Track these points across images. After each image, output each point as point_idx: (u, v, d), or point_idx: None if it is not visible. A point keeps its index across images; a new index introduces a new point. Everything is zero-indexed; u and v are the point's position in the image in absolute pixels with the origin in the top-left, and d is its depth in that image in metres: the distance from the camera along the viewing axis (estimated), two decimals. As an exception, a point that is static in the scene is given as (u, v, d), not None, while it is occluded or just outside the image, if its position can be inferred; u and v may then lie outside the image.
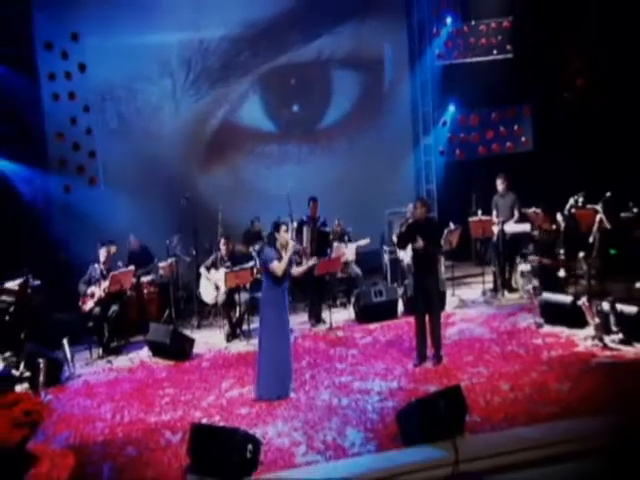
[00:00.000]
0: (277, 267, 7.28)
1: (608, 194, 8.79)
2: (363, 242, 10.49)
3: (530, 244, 10.29)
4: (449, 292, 10.37)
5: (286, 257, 7.35)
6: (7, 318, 8.95)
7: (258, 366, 7.34)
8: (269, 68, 12.05)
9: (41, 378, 7.91)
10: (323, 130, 12.24)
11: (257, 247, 10.04)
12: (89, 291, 9.22)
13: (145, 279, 10.21)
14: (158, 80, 11.54)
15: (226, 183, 11.80)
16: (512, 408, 6.52)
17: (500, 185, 10.43)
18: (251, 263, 9.55)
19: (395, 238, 9.56)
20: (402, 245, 8.54)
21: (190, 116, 11.82)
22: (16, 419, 6.06)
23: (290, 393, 7.28)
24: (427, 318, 7.89)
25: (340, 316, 10.05)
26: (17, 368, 8.17)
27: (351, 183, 11.80)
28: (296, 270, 8.01)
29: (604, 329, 7.99)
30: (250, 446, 5.88)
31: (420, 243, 7.66)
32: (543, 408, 6.47)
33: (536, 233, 10.13)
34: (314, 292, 9.92)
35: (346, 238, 10.44)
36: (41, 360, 8.01)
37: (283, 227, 7.49)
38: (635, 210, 8.54)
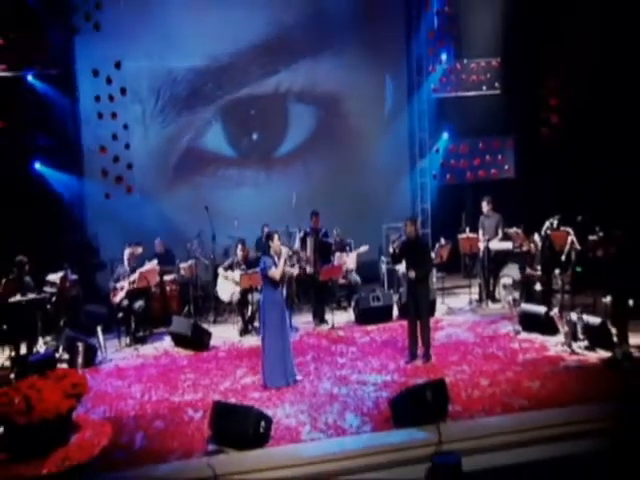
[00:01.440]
0: (274, 273, 7.78)
1: (579, 218, 9.27)
2: (363, 249, 10.88)
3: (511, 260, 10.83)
4: (439, 300, 10.78)
5: (281, 263, 7.87)
6: (49, 307, 9.44)
7: (263, 359, 7.84)
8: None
9: (79, 360, 8.53)
10: (340, 147, 12.70)
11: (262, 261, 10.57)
12: (118, 285, 9.74)
13: (168, 278, 10.71)
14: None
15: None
16: (489, 401, 7.05)
17: (486, 207, 10.87)
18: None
19: (390, 255, 10.10)
20: (396, 262, 9.09)
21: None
22: (66, 390, 6.63)
23: (290, 383, 7.74)
24: (418, 322, 8.45)
25: (341, 318, 10.46)
26: (57, 351, 8.78)
27: (353, 198, 12.18)
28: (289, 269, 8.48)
29: (572, 337, 8.46)
30: (263, 422, 6.47)
31: (412, 274, 8.24)
32: (516, 401, 7.00)
33: (517, 251, 10.68)
34: (318, 295, 10.41)
35: (348, 248, 10.90)
36: (80, 344, 8.64)
37: (275, 236, 7.99)
38: (601, 234, 9.03)
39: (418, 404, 6.57)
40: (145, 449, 6.51)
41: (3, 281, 8.69)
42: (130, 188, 10.66)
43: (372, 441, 6.39)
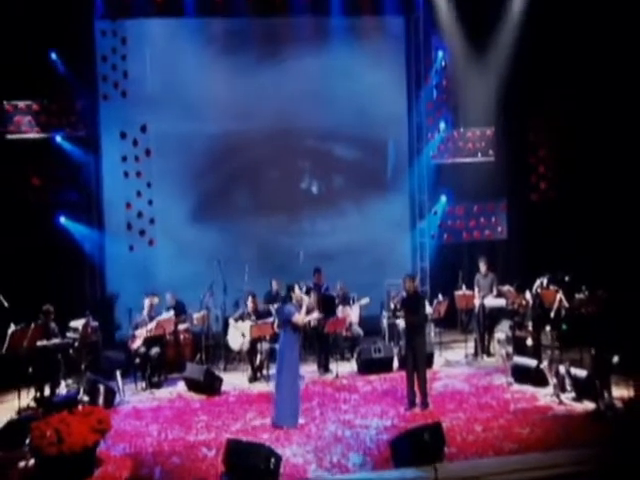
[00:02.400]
0: (299, 318, 8.50)
1: (567, 278, 9.89)
2: (364, 301, 11.46)
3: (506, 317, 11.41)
4: (437, 353, 11.20)
5: (304, 309, 8.58)
6: (71, 351, 10.01)
7: (277, 399, 8.40)
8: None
9: (100, 401, 9.04)
10: (345, 206, 13.46)
11: (276, 306, 11.20)
12: (137, 332, 10.33)
13: (181, 327, 11.25)
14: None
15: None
16: (482, 444, 7.57)
17: (482, 267, 11.49)
18: (271, 319, 10.76)
19: (392, 310, 10.73)
20: (397, 316, 9.74)
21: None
22: (92, 426, 7.18)
23: (298, 424, 8.30)
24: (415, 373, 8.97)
25: (344, 368, 10.87)
26: (78, 393, 9.29)
27: (356, 255, 12.81)
28: (311, 316, 9.12)
29: (561, 388, 9.04)
30: (273, 459, 6.99)
31: (402, 324, 8.96)
32: (507, 446, 7.53)
33: (510, 308, 11.28)
34: (322, 346, 10.93)
35: (351, 301, 11.53)
36: (101, 386, 9.19)
37: (296, 287, 8.77)
38: (587, 292, 9.67)
39: (416, 445, 7.07)
40: (163, 482, 7.05)
41: (32, 327, 9.27)
42: (152, 241, 11.39)
43: (374, 478, 6.92)
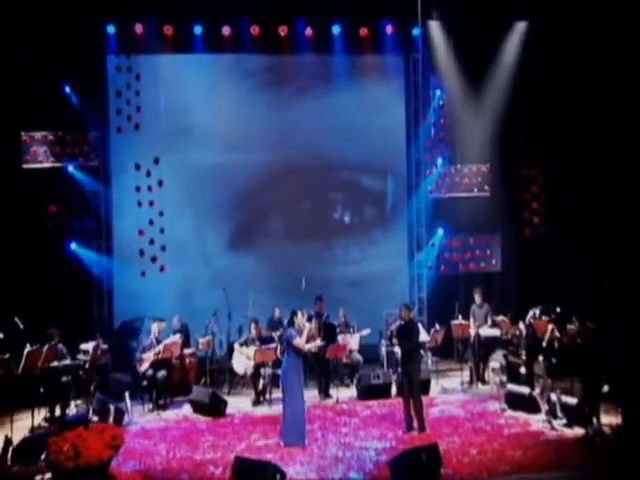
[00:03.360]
0: (299, 342, 8.95)
1: (558, 309, 10.31)
2: (365, 332, 11.94)
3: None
4: (434, 381, 11.57)
5: (305, 334, 9.03)
6: (81, 373, 10.44)
7: (283, 420, 8.85)
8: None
9: (110, 421, 9.41)
10: (345, 238, 13.97)
11: (279, 332, 11.65)
12: (144, 356, 10.77)
13: (187, 351, 11.70)
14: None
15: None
16: (477, 466, 7.96)
17: (478, 298, 12.01)
18: (274, 344, 11.21)
19: (388, 337, 11.18)
20: (393, 343, 10.19)
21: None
22: (106, 442, 7.56)
23: (305, 442, 8.76)
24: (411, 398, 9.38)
25: (344, 393, 11.27)
26: (87, 413, 9.68)
27: (356, 285, 13.36)
28: (310, 345, 9.48)
29: (552, 415, 9.46)
30: (278, 476, 7.36)
31: (396, 348, 9.49)
32: (500, 467, 7.91)
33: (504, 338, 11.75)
34: (323, 372, 11.35)
35: (351, 330, 12.01)
36: (111, 406, 9.59)
37: (299, 313, 9.24)
38: (577, 323, 10.16)
39: (414, 465, 7.43)
40: (173, 498, 7.44)
41: (45, 348, 9.70)
42: (163, 267, 11.91)
43: (374, 496, 7.35)
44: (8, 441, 8.28)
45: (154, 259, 11.94)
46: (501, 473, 7.82)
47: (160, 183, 12.01)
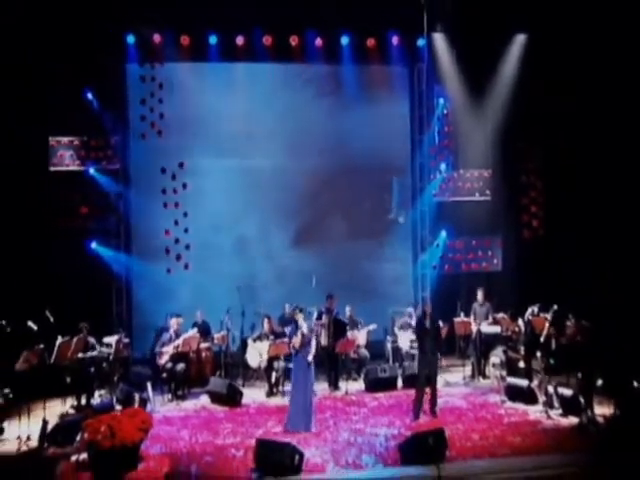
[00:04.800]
0: (295, 341, 9.73)
1: (555, 307, 10.89)
2: (372, 327, 12.58)
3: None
4: (438, 376, 12.14)
5: (299, 334, 9.73)
6: (104, 364, 11.12)
7: (290, 406, 9.60)
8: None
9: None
10: (352, 240, 14.50)
11: (290, 328, 12.28)
12: (164, 349, 11.43)
13: (204, 345, 12.34)
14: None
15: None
16: (479, 450, 8.66)
17: (480, 296, 12.67)
18: (286, 339, 11.87)
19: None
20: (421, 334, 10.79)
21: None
22: (137, 425, 8.24)
23: (312, 429, 9.42)
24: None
25: (352, 386, 11.94)
26: (112, 402, 10.36)
27: (363, 284, 13.97)
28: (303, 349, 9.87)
29: (549, 405, 10.15)
30: (297, 456, 8.08)
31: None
32: (500, 451, 8.62)
33: (504, 334, 12.43)
34: (332, 366, 12.02)
35: (359, 326, 12.68)
36: (136, 395, 10.27)
37: (298, 312, 9.99)
38: (573, 321, 10.83)
39: (422, 447, 8.18)
40: (200, 476, 8.05)
41: (75, 340, 10.37)
42: (187, 265, 12.66)
43: (385, 474, 8.02)
44: (45, 424, 8.96)
45: (179, 257, 12.73)
46: (501, 456, 8.50)
47: (185, 186, 12.80)
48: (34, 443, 9.08)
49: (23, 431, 9.22)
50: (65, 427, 9.15)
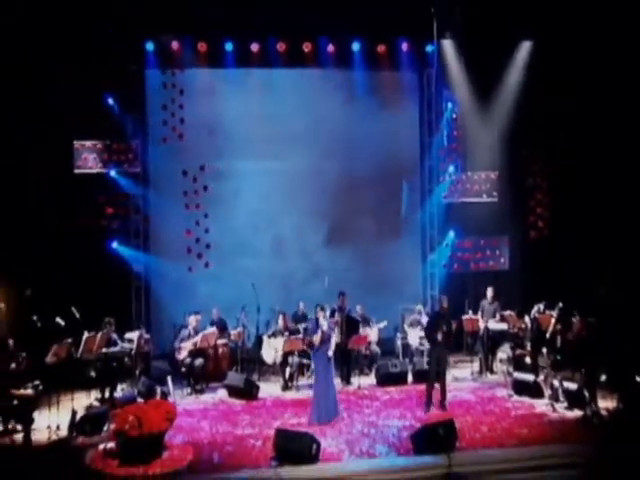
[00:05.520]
0: (315, 338, 10.06)
1: (560, 304, 11.16)
2: (382, 324, 12.95)
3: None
4: (447, 372, 12.46)
5: (319, 332, 10.07)
6: (126, 359, 11.51)
7: (312, 400, 9.95)
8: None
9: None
10: (363, 240, 14.82)
11: (304, 325, 12.65)
12: (183, 345, 11.79)
13: (220, 342, 12.69)
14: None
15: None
16: (488, 440, 9.04)
17: (489, 294, 12.94)
18: (300, 336, 12.24)
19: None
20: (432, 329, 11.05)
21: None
22: (163, 415, 8.62)
23: (333, 420, 9.78)
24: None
25: (364, 381, 12.27)
26: (134, 395, 10.74)
27: (373, 283, 14.24)
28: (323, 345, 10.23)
29: (555, 399, 10.48)
30: (314, 445, 8.44)
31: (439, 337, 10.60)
32: (508, 441, 8.98)
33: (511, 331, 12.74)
34: (345, 361, 12.27)
35: (371, 323, 13.05)
36: (158, 388, 10.65)
37: (319, 309, 10.34)
38: (578, 317, 11.12)
39: (433, 438, 8.53)
40: (222, 463, 8.43)
41: (100, 335, 10.75)
42: (208, 264, 13.08)
43: (398, 462, 8.37)
44: (75, 414, 9.35)
45: (200, 255, 13.16)
46: (509, 446, 8.86)
47: (205, 188, 13.21)
48: (63, 433, 9.48)
49: (52, 421, 9.61)
50: (92, 418, 9.55)
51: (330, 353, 10.09)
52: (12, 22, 11.44)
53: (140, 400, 10.38)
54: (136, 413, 8.42)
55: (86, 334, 10.33)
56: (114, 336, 11.23)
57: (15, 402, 9.52)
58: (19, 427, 9.41)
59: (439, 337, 10.52)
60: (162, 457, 8.48)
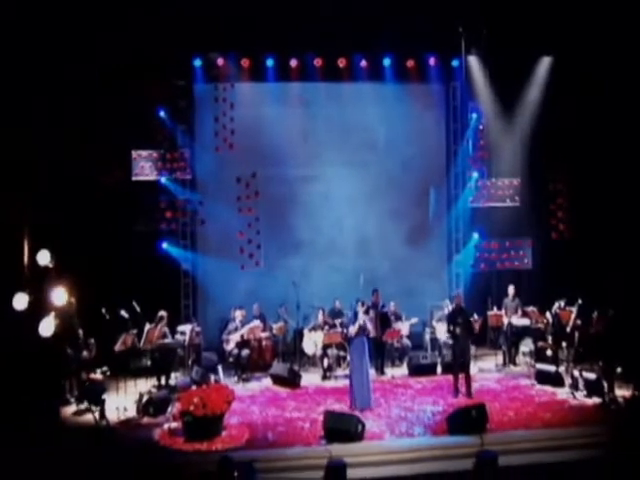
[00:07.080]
0: (351, 329, 10.86)
1: (580, 301, 11.97)
2: (413, 320, 13.71)
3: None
4: (471, 363, 12.51)
5: (356, 324, 10.85)
6: (178, 350, 12.39)
7: (351, 387, 10.68)
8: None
9: (212, 387, 11.32)
10: (394, 244, 15.36)
11: (340, 320, 13.42)
12: (231, 337, 12.64)
13: (264, 335, 13.47)
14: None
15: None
16: (515, 423, 9.77)
17: (511, 292, 13.66)
18: (338, 329, 13.03)
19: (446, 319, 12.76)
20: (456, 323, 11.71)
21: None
22: (223, 398, 9.46)
23: (372, 405, 10.53)
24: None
25: (397, 372, 13.05)
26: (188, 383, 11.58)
27: (404, 281, 14.86)
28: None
29: (575, 388, 11.16)
30: (360, 425, 9.20)
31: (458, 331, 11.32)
32: (534, 424, 9.70)
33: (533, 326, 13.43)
34: (379, 353, 13.07)
35: (403, 318, 13.82)
36: (212, 376, 11.49)
37: (359, 304, 11.11)
38: (597, 314, 11.68)
39: (466, 419, 9.29)
40: (277, 442, 9.24)
41: (158, 327, 11.60)
42: (258, 262, 13.98)
43: (435, 441, 9.15)
44: (142, 397, 10.22)
45: (251, 255, 14.11)
46: (535, 428, 9.59)
47: (257, 193, 14.15)
48: (130, 413, 10.36)
49: (120, 403, 10.47)
50: (155, 401, 10.40)
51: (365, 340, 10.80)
52: (79, 44, 12.34)
53: (194, 387, 11.22)
54: (200, 396, 9.26)
55: (147, 326, 11.20)
56: (165, 329, 12.07)
57: (87, 385, 10.42)
58: (93, 407, 10.26)
59: (457, 331, 11.23)
60: (222, 435, 9.33)
